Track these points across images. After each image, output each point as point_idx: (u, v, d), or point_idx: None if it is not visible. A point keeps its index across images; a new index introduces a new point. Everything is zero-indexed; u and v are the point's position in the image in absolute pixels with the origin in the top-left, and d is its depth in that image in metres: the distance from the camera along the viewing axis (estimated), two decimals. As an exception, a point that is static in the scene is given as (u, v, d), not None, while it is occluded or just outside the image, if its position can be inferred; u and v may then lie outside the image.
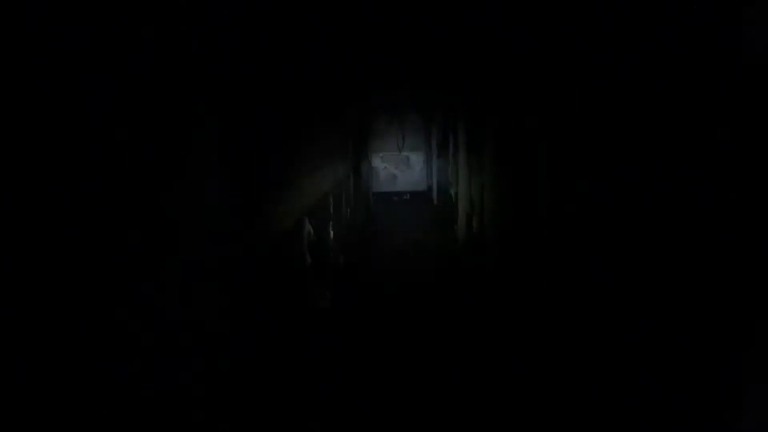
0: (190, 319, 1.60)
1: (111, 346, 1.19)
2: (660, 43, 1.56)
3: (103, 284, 1.16)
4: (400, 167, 17.68)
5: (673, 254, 1.51)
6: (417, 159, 17.45)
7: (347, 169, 6.97)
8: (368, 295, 6.41)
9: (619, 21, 1.85)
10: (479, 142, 6.43)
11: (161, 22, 1.47)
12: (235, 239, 1.94)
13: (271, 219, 2.51)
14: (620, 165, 1.84)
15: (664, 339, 1.58)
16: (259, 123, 2.39)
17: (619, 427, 1.90)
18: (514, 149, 4.26)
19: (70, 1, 1.09)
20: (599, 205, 2.02)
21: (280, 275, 2.69)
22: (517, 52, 3.36)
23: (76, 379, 1.08)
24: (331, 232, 4.85)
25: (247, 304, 2.08)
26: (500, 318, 4.42)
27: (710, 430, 1.38)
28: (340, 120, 6.26)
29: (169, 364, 1.45)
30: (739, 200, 1.23)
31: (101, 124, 1.18)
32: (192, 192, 1.68)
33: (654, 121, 1.59)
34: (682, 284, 1.47)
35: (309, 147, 3.81)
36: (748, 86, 1.19)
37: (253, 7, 2.24)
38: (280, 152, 2.83)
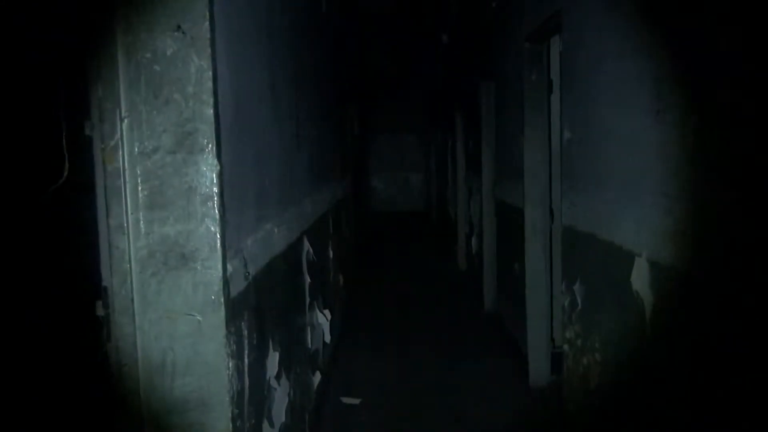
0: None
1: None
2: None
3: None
4: (399, 187, 17.64)
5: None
6: (416, 179, 17.42)
7: (346, 189, 6.92)
8: (368, 313, 6.34)
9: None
10: (477, 162, 6.39)
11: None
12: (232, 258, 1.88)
13: (270, 238, 2.45)
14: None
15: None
16: (255, 140, 2.35)
17: None
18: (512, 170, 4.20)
19: None
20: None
21: (278, 296, 2.62)
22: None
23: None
24: (331, 252, 4.78)
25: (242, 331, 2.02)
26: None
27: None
28: (337, 139, 6.23)
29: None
30: None
31: None
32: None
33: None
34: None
35: (307, 166, 3.76)
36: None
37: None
38: (279, 171, 2.79)
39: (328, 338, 4.09)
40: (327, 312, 4.04)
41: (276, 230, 2.57)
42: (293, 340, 2.95)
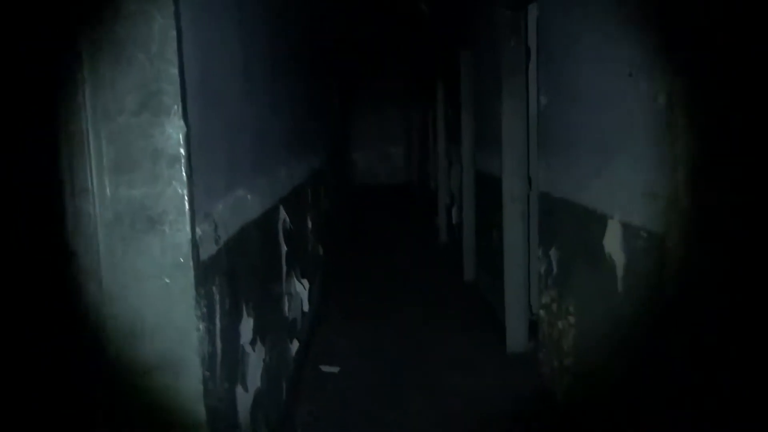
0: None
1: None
2: None
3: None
4: (380, 161, 17.60)
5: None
6: (397, 152, 17.39)
7: (326, 161, 6.89)
8: (348, 284, 6.36)
9: None
10: (457, 132, 6.38)
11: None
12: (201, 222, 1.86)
13: (242, 205, 2.43)
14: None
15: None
16: (230, 104, 2.31)
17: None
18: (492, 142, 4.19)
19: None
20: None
21: (252, 263, 2.61)
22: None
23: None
24: (310, 223, 4.77)
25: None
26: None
27: None
28: (316, 111, 6.17)
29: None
30: None
31: None
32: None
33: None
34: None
35: (283, 135, 3.73)
36: None
37: None
38: (254, 135, 2.76)
39: (306, 307, 4.09)
40: (305, 281, 4.04)
41: (249, 196, 2.54)
42: (269, 307, 2.95)
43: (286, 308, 3.45)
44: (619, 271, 2.26)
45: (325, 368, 4.11)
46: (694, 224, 1.75)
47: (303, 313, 4.05)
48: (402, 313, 5.38)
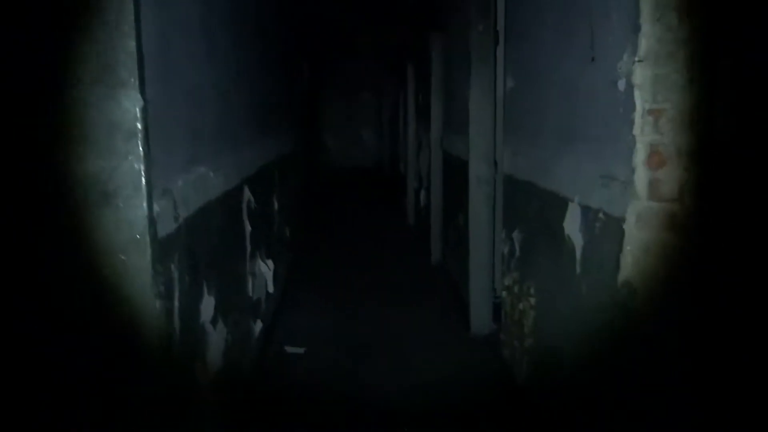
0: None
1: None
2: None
3: None
4: (351, 143, 17.53)
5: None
6: (369, 135, 17.33)
7: (295, 142, 6.83)
8: (316, 266, 6.35)
9: None
10: (427, 115, 6.38)
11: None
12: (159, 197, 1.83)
13: (204, 182, 2.40)
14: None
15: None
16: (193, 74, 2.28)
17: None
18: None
19: None
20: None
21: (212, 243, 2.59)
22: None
23: None
24: (276, 203, 4.74)
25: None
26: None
27: None
28: (285, 92, 6.11)
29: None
30: None
31: None
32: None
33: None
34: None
35: (249, 114, 3.68)
36: None
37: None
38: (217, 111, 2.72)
39: (271, 288, 4.07)
40: (270, 262, 4.02)
41: (212, 174, 2.51)
42: (232, 287, 2.93)
43: (250, 288, 3.44)
44: (578, 253, 2.30)
45: (290, 349, 4.11)
46: (650, 208, 1.79)
47: (268, 293, 4.04)
48: (369, 294, 5.39)
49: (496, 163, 4.29)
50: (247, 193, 3.37)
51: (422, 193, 7.29)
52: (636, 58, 1.78)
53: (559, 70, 2.49)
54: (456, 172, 5.03)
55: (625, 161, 1.86)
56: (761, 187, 1.80)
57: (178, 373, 1.99)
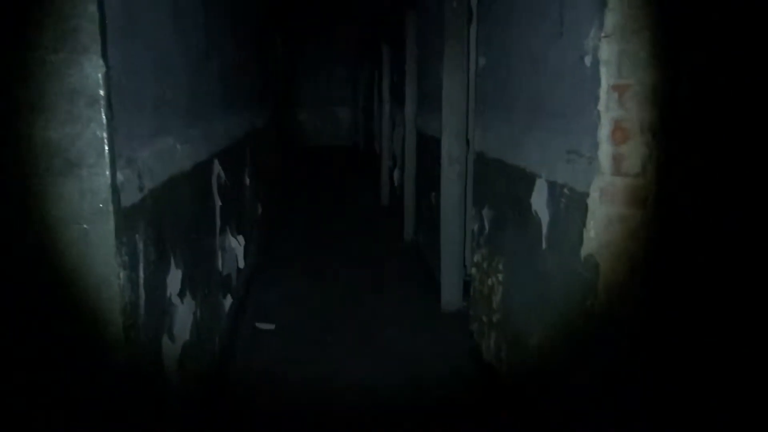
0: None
1: None
2: None
3: None
4: (327, 122, 17.43)
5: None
6: (344, 113, 17.24)
7: (268, 119, 6.78)
8: (289, 243, 6.34)
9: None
10: (402, 94, 6.37)
11: None
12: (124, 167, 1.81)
13: (170, 154, 2.37)
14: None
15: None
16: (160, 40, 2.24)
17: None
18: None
19: None
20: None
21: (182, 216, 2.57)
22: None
23: None
24: (248, 179, 4.71)
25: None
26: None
27: None
28: (258, 67, 6.04)
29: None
30: None
31: None
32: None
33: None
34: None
35: (219, 87, 3.64)
36: None
37: None
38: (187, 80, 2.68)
39: (241, 264, 4.06)
40: (241, 237, 4.00)
41: (179, 146, 2.48)
42: (201, 261, 2.91)
43: (220, 263, 3.42)
44: (544, 229, 2.33)
45: (261, 325, 4.12)
46: (613, 183, 1.81)
47: (238, 269, 4.03)
48: (342, 272, 5.41)
49: (468, 141, 4.30)
50: (217, 167, 3.34)
51: (396, 172, 7.30)
52: (602, 34, 1.79)
53: (529, 46, 2.50)
54: (429, 150, 5.04)
55: (590, 137, 1.88)
56: (721, 163, 1.84)
57: (144, 345, 1.98)
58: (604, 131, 1.81)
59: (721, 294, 1.76)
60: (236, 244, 3.87)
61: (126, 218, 1.81)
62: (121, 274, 1.76)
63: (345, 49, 15.46)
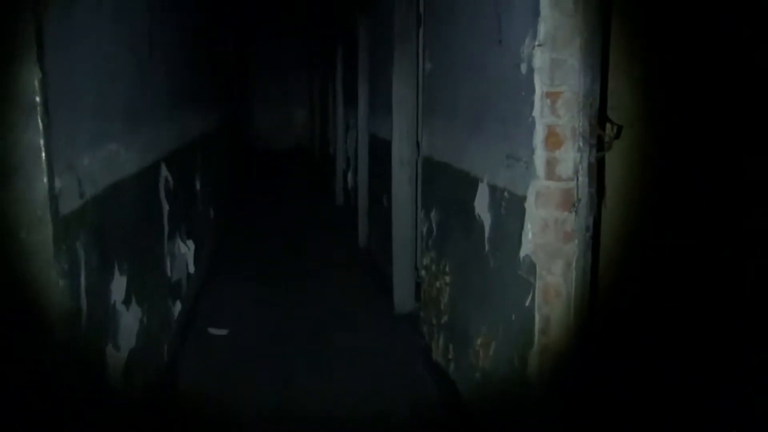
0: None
1: None
2: None
3: None
4: (282, 124, 17.30)
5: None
6: (300, 115, 17.16)
7: (221, 122, 6.72)
8: (242, 248, 6.29)
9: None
10: (355, 96, 6.40)
11: None
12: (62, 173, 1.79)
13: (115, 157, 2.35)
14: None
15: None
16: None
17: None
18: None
19: None
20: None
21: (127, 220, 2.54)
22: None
23: None
24: (199, 184, 4.67)
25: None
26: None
27: None
28: (209, 70, 5.99)
29: None
30: None
31: None
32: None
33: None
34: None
35: (166, 91, 3.60)
36: None
37: None
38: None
39: (192, 269, 4.03)
40: (191, 242, 3.97)
41: (123, 151, 2.46)
42: (148, 267, 2.88)
43: (169, 269, 3.39)
44: (487, 232, 2.39)
45: (214, 331, 4.08)
46: (547, 186, 1.88)
47: (188, 274, 3.99)
48: (295, 276, 5.40)
49: (419, 145, 4.36)
50: (164, 172, 3.31)
51: (350, 175, 7.32)
52: (536, 43, 1.86)
53: (472, 52, 2.56)
54: (381, 153, 5.08)
55: (527, 142, 1.94)
56: (652, 166, 1.93)
57: (86, 353, 1.96)
58: (539, 137, 1.87)
59: (647, 288, 1.84)
60: (186, 249, 3.84)
61: (65, 225, 1.79)
62: (61, 283, 1.74)
63: (302, 51, 15.42)
